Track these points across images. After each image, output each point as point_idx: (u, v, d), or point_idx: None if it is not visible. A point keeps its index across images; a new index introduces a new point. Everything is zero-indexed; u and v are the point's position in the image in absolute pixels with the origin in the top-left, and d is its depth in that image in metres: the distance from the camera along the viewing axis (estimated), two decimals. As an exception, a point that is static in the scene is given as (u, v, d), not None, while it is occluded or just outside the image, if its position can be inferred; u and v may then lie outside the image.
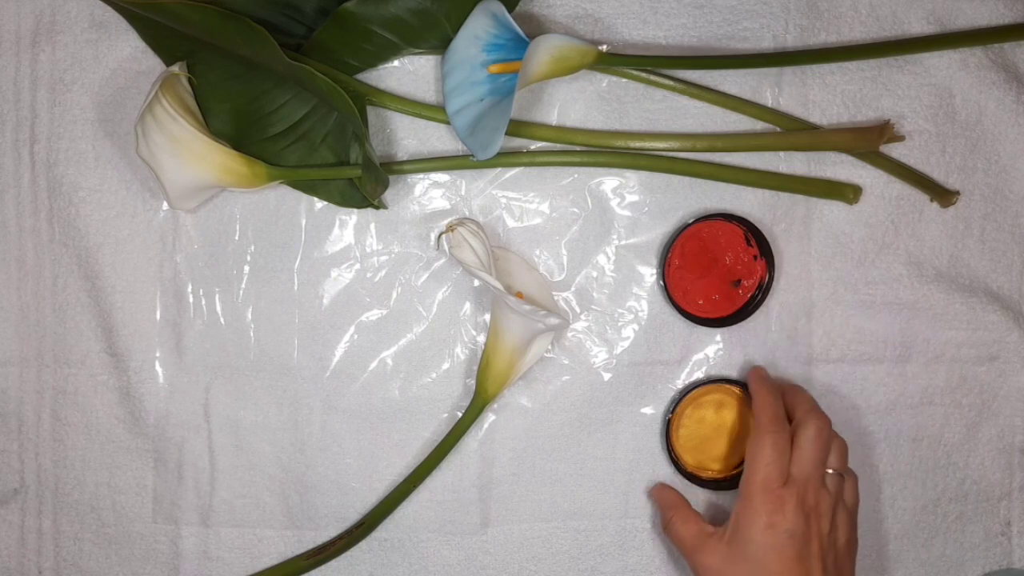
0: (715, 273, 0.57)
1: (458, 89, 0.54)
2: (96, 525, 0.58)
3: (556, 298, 0.58)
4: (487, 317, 0.58)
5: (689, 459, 0.57)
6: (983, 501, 0.60)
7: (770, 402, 0.53)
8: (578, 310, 0.58)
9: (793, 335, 0.58)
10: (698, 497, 0.58)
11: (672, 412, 0.57)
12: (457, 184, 0.58)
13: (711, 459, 0.58)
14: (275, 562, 0.58)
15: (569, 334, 0.58)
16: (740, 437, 0.57)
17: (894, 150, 0.58)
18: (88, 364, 0.57)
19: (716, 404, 0.57)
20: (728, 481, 0.57)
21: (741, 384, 0.57)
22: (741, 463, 0.57)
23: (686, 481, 0.57)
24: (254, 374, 0.58)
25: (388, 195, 0.57)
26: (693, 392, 0.57)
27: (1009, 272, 0.59)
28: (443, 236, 0.54)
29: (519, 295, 0.55)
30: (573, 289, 0.58)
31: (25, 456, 0.58)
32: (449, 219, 0.56)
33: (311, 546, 0.58)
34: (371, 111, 0.56)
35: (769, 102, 0.58)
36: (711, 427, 0.57)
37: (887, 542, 0.59)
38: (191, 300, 0.57)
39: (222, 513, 0.58)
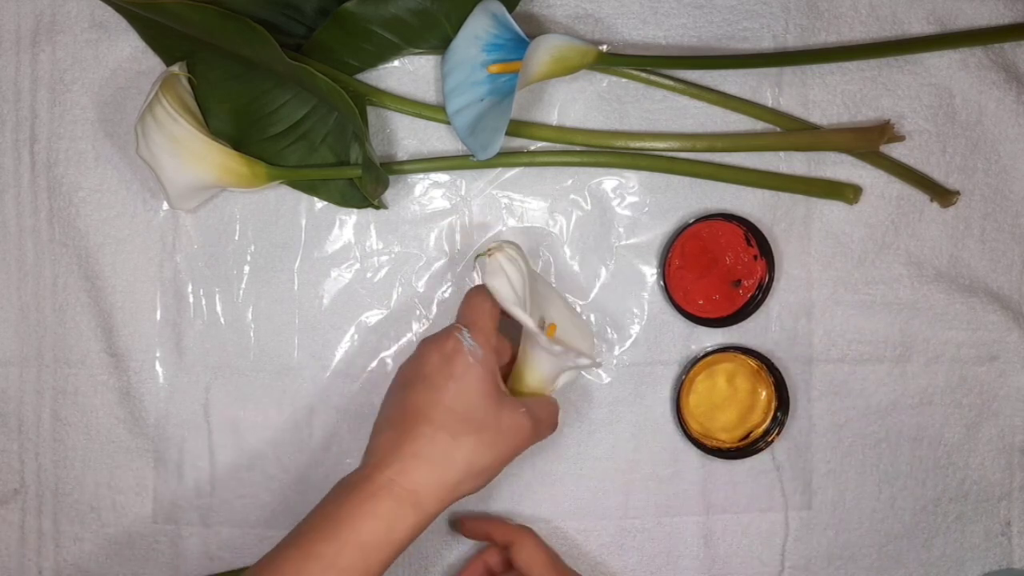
0: (715, 273, 0.57)
1: (458, 89, 0.54)
2: (96, 525, 0.58)
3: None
4: (487, 317, 0.58)
5: (696, 426, 0.57)
6: (983, 501, 0.60)
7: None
8: (579, 310, 0.58)
9: (793, 335, 0.58)
10: (703, 466, 0.58)
11: (685, 376, 0.57)
12: (457, 184, 0.58)
13: (718, 428, 0.58)
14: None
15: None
16: (748, 409, 0.58)
17: (894, 150, 0.58)
18: (88, 364, 0.57)
19: (728, 373, 0.58)
20: (733, 451, 0.57)
21: (756, 355, 0.57)
22: (747, 435, 0.58)
23: (692, 447, 0.57)
24: (254, 374, 0.58)
25: (388, 195, 0.57)
26: (707, 358, 0.57)
27: (1009, 272, 0.59)
28: (479, 259, 0.50)
29: (552, 329, 0.53)
30: (574, 289, 0.58)
31: (25, 456, 0.58)
32: (489, 241, 0.55)
33: (311, 546, 0.58)
34: (371, 111, 0.56)
35: (769, 102, 0.58)
36: (722, 396, 0.58)
37: (887, 542, 0.59)
38: (191, 300, 0.57)
39: (222, 513, 0.58)
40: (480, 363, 0.47)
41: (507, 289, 0.48)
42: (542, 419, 0.50)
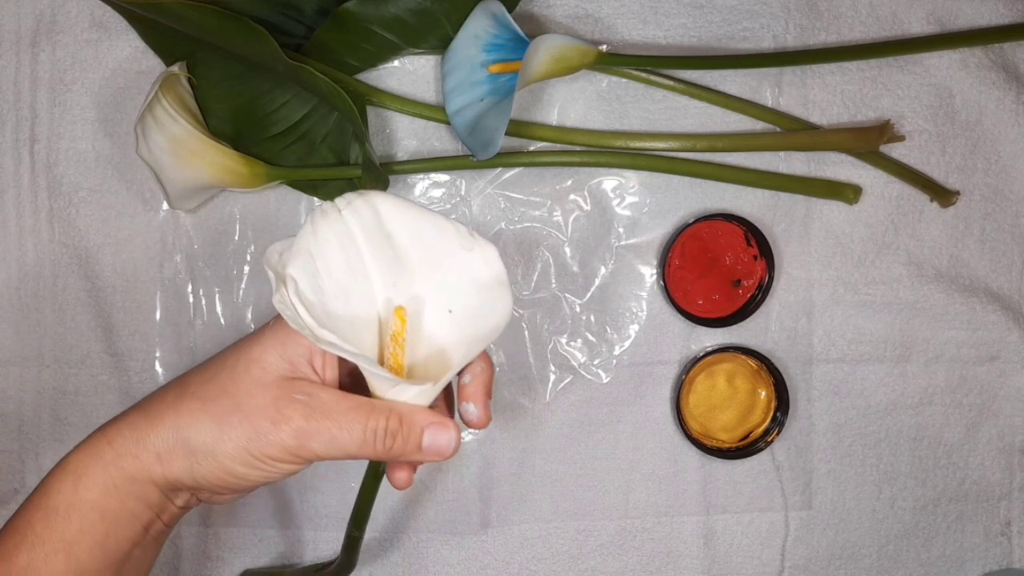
0: (715, 273, 0.57)
1: (458, 89, 0.54)
2: (96, 525, 0.58)
3: (560, 297, 0.58)
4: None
5: (696, 426, 0.58)
6: (983, 501, 0.60)
7: None
8: (578, 310, 0.58)
9: (793, 335, 0.58)
10: (703, 466, 0.58)
11: (685, 376, 0.56)
12: (457, 184, 0.58)
13: (718, 428, 0.58)
14: (275, 562, 0.58)
15: (567, 334, 0.58)
16: (748, 409, 0.58)
17: (894, 150, 0.58)
18: (88, 364, 0.57)
19: (728, 373, 0.58)
20: (733, 451, 0.57)
21: (756, 355, 0.57)
22: (747, 435, 0.58)
23: (692, 447, 0.57)
24: (254, 374, 0.57)
25: (388, 195, 0.57)
26: (707, 358, 0.57)
27: (1009, 272, 0.59)
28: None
29: (400, 318, 0.39)
30: (573, 289, 0.58)
31: (25, 456, 0.58)
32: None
33: (311, 545, 0.58)
34: (371, 111, 0.56)
35: (769, 102, 0.58)
36: (722, 396, 0.58)
37: (887, 542, 0.59)
38: (191, 300, 0.57)
39: (222, 513, 0.58)
40: None
41: (295, 318, 0.36)
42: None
